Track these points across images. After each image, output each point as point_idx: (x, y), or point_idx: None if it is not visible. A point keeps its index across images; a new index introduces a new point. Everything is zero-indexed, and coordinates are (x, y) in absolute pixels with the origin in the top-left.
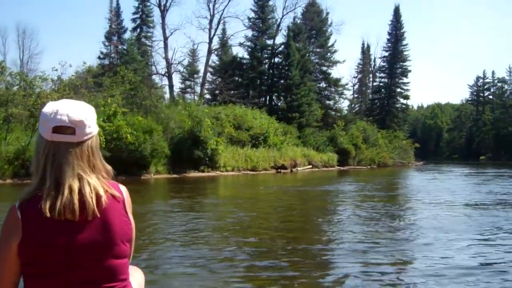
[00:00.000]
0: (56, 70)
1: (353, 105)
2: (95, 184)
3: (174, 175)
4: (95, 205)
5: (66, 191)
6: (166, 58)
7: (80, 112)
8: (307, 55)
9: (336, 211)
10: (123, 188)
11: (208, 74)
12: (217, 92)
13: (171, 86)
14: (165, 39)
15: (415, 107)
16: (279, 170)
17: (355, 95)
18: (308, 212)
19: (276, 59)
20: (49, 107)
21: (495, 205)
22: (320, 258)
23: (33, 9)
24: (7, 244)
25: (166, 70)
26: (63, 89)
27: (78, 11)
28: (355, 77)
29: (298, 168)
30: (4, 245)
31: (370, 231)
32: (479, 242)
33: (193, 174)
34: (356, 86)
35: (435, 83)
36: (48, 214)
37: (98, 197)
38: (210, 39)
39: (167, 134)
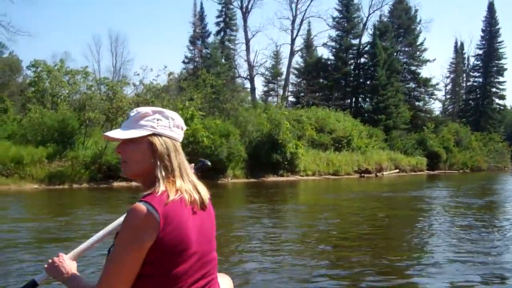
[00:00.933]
0: (138, 74)
1: (445, 106)
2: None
3: (252, 180)
4: (205, 201)
5: (194, 189)
6: (248, 61)
7: (177, 115)
8: (395, 54)
9: (424, 220)
10: None
11: (292, 76)
12: (301, 94)
13: (253, 89)
14: (247, 41)
15: None
16: (362, 174)
17: (448, 96)
18: (392, 221)
19: (362, 60)
20: (167, 111)
21: None
22: (404, 276)
23: (122, 16)
24: (141, 245)
25: (248, 73)
26: (144, 94)
27: (163, 16)
28: (448, 77)
29: (384, 173)
30: (138, 247)
31: (462, 246)
32: None
33: (272, 178)
34: (449, 87)
35: None
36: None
37: (200, 194)
38: (293, 40)
39: (245, 138)
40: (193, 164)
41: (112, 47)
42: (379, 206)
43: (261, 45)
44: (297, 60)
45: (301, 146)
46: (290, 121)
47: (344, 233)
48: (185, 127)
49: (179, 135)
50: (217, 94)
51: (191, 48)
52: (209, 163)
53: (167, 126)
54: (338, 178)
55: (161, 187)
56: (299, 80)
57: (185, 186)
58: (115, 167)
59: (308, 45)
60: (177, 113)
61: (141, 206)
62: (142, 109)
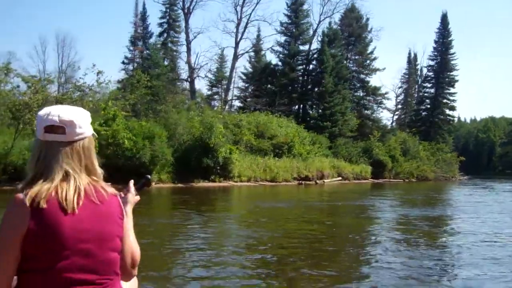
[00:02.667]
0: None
1: (397, 116)
2: (82, 181)
3: (180, 185)
4: (75, 202)
5: (53, 186)
6: (188, 63)
7: (71, 113)
8: (344, 62)
9: (358, 231)
10: (111, 188)
11: (240, 81)
12: (248, 100)
13: (193, 92)
14: (188, 43)
15: (468, 120)
16: (301, 182)
17: (399, 106)
18: (319, 231)
19: (311, 66)
20: (44, 110)
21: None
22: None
23: (70, 17)
24: (14, 231)
25: (189, 75)
26: (72, 92)
27: (109, 17)
28: (400, 87)
29: (325, 180)
30: (11, 234)
31: (400, 260)
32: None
33: (202, 184)
34: (401, 97)
35: (489, 96)
36: (44, 206)
37: (79, 193)
38: (237, 44)
39: (174, 141)
40: (132, 181)
41: (59, 48)
42: (308, 216)
43: (203, 47)
44: (245, 65)
45: (236, 151)
46: (228, 126)
47: (273, 243)
48: (55, 123)
49: (40, 133)
50: (156, 96)
51: (131, 48)
52: (149, 177)
53: (37, 127)
54: (275, 185)
55: (37, 183)
56: (246, 85)
57: (53, 184)
58: (22, 167)
59: (257, 50)
60: (54, 109)
61: (16, 195)
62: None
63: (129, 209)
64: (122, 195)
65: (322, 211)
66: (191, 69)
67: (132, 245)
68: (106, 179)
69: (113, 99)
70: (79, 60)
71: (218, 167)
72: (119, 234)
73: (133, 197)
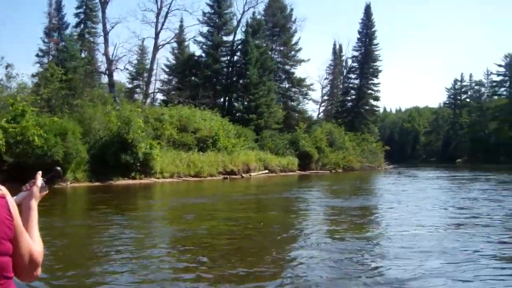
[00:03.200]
0: None
1: (324, 108)
2: None
3: (97, 183)
4: None
5: None
6: (106, 55)
7: None
8: (268, 52)
9: (286, 225)
10: (2, 187)
11: (164, 74)
12: (172, 93)
13: (111, 85)
14: (105, 33)
15: (393, 111)
16: (226, 176)
17: (326, 97)
18: (245, 227)
19: (235, 58)
20: None
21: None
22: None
23: None
24: None
25: (107, 68)
26: None
27: (17, 6)
28: (326, 79)
29: (252, 174)
30: None
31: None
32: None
33: (121, 181)
34: (328, 88)
35: (414, 87)
36: None
37: None
38: (157, 34)
39: (90, 137)
40: (39, 172)
41: None
42: (234, 210)
43: (122, 38)
44: (168, 56)
45: (157, 146)
46: (149, 120)
47: (197, 242)
48: None
49: None
50: (73, 90)
51: (46, 40)
52: (59, 169)
53: None
54: (200, 180)
55: None
56: (170, 77)
57: None
58: None
59: (179, 41)
60: None
61: None
62: None
63: (33, 203)
64: (27, 187)
65: (248, 206)
66: (109, 61)
67: (30, 245)
68: (16, 179)
69: (22, 94)
70: None
71: (138, 164)
72: (7, 236)
73: (38, 190)
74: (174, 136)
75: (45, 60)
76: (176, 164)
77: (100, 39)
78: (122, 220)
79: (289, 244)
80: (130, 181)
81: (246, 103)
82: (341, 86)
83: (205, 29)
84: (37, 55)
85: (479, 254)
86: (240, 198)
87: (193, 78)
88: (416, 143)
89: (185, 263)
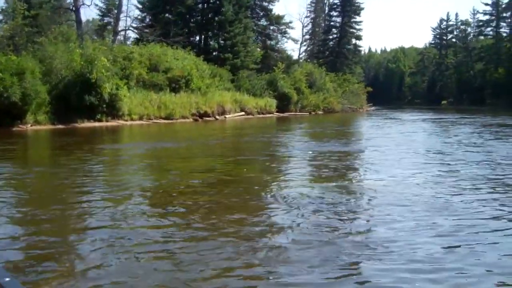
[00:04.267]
0: None
1: (305, 48)
2: None
3: (60, 126)
4: None
5: None
6: None
7: None
8: None
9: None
10: None
11: (137, 11)
12: (146, 31)
13: (79, 22)
14: None
15: (378, 51)
16: (197, 117)
17: (307, 37)
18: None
19: None
20: None
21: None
22: None
23: None
24: None
25: (73, 3)
26: None
27: None
28: (307, 17)
29: (227, 116)
30: None
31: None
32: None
33: (86, 124)
34: (309, 27)
35: (399, 26)
36: None
37: None
38: None
39: (51, 77)
40: None
41: None
42: (210, 155)
43: None
44: None
45: (124, 86)
46: (117, 59)
47: (167, 192)
48: None
49: None
50: (39, 27)
51: None
52: None
53: None
54: (171, 122)
55: None
56: (143, 14)
57: None
58: None
59: None
60: None
61: None
62: None
63: None
64: None
65: (222, 151)
66: None
67: None
68: None
69: None
70: None
71: (104, 105)
72: None
73: None
74: (144, 76)
75: None
76: (146, 106)
77: None
78: (89, 166)
79: (270, 194)
80: (96, 124)
81: (222, 41)
82: (323, 25)
83: None
84: None
85: (464, 203)
86: (213, 142)
87: (166, 15)
88: (402, 84)
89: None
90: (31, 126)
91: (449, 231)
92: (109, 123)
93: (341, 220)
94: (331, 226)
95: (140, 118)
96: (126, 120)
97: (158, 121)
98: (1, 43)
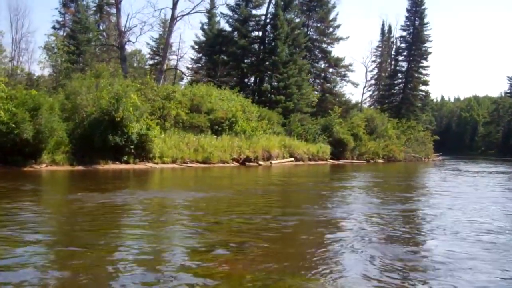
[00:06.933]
0: None
1: (370, 93)
2: None
3: (80, 167)
4: None
5: None
6: (117, 26)
7: None
8: (301, 28)
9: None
10: None
11: (193, 51)
12: (201, 72)
13: (123, 59)
14: (117, 2)
15: (452, 100)
16: (239, 162)
17: (373, 82)
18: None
19: (265, 33)
20: None
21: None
22: None
23: None
24: None
25: (118, 40)
26: None
27: None
28: (373, 61)
29: (273, 161)
30: None
31: None
32: None
33: (110, 166)
34: (375, 72)
35: (473, 75)
36: None
37: None
38: (174, 4)
39: (76, 114)
40: None
41: (11, 17)
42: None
43: (134, 8)
44: (197, 33)
45: (155, 126)
46: (155, 98)
47: None
48: None
49: None
50: (83, 64)
51: (62, 11)
52: None
53: None
54: (207, 166)
55: None
56: (199, 55)
57: None
58: None
59: (210, 15)
60: None
61: None
62: None
63: None
64: None
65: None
66: (120, 33)
67: None
68: None
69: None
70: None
71: (132, 146)
72: None
73: None
74: (182, 116)
75: (61, 32)
76: (181, 148)
77: (112, 9)
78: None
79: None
80: (122, 166)
81: (275, 83)
82: (388, 70)
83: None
84: (53, 27)
85: None
86: (245, 191)
87: (221, 56)
88: (475, 134)
89: None
90: (46, 166)
91: None
92: (136, 166)
93: None
94: None
95: (173, 161)
96: (157, 163)
97: (192, 164)
98: (43, 80)
